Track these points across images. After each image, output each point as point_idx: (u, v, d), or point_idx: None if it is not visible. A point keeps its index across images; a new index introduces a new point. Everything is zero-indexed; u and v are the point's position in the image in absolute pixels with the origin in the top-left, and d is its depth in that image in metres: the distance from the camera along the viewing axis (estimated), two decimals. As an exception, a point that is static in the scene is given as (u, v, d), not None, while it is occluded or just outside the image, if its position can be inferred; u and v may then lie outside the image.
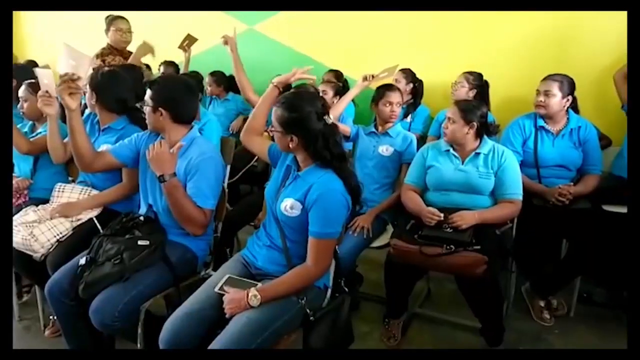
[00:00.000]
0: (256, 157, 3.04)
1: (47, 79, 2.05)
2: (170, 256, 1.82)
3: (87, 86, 2.15)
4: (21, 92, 2.37)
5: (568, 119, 2.49)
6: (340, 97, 3.45)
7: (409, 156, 2.39)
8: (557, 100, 2.41)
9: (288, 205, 1.61)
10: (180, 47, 4.01)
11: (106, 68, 2.37)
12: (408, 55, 3.93)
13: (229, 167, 2.73)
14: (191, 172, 1.83)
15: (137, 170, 2.01)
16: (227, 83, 4.14)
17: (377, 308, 2.45)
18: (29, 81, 2.39)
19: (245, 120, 4.08)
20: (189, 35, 4.00)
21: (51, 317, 2.27)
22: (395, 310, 2.28)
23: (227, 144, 2.79)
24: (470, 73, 3.10)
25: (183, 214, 1.80)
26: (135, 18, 5.15)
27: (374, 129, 2.55)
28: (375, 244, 2.32)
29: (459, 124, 2.12)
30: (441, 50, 3.78)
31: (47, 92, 2.00)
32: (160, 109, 1.83)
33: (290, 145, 1.61)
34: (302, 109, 1.59)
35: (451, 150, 2.19)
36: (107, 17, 3.55)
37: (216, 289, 1.59)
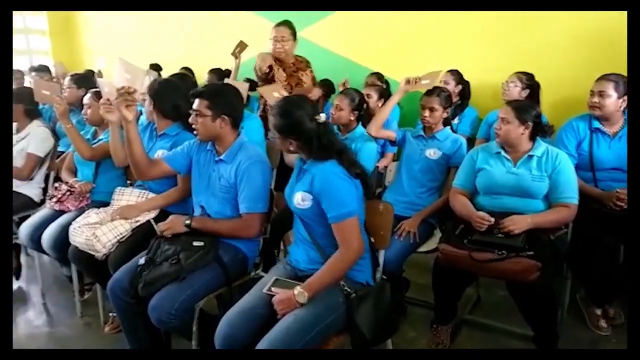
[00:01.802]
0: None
1: (108, 87, 2.17)
2: (222, 257, 1.89)
3: (146, 94, 2.27)
4: (86, 99, 2.52)
5: (625, 120, 2.39)
6: (385, 99, 3.47)
7: (458, 159, 2.35)
8: (612, 100, 2.31)
9: (299, 198, 1.68)
10: (233, 53, 4.13)
11: (163, 77, 2.47)
12: (453, 55, 3.88)
13: (275, 170, 2.81)
14: (240, 176, 1.89)
15: (189, 175, 2.09)
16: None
17: (425, 313, 2.43)
18: (94, 89, 2.54)
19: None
20: (241, 42, 4.12)
21: (111, 314, 2.39)
22: (443, 316, 2.25)
23: (274, 148, 2.86)
24: (523, 73, 3.03)
25: (226, 234, 1.93)
26: (184, 26, 5.39)
27: (421, 132, 2.52)
28: (423, 248, 2.31)
29: (514, 124, 2.07)
30: (488, 51, 3.71)
31: (108, 99, 2.12)
32: (223, 116, 1.89)
33: (291, 148, 1.71)
34: (293, 114, 1.67)
35: (502, 152, 2.14)
36: None
37: (264, 290, 1.65)
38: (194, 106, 1.91)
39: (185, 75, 3.14)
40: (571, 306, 2.46)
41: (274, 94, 2.68)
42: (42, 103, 3.05)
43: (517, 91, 2.99)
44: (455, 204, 2.15)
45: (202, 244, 1.87)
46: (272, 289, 1.62)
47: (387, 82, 3.87)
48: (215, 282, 1.86)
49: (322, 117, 1.68)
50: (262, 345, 1.47)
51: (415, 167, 2.46)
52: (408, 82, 2.51)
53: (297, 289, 1.56)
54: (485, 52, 3.73)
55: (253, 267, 2.07)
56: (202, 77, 4.67)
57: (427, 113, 2.44)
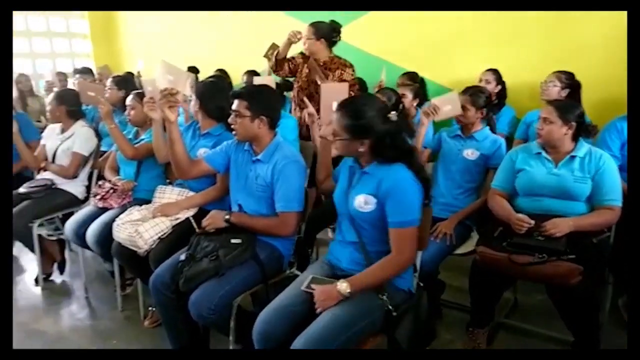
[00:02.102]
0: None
1: (151, 86, 2.24)
2: (259, 254, 1.92)
3: (192, 95, 2.34)
4: (129, 100, 2.60)
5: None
6: (420, 99, 3.44)
7: (497, 160, 2.31)
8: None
9: (362, 202, 1.65)
10: (265, 55, 4.18)
11: (210, 79, 2.53)
12: (489, 54, 3.82)
13: (308, 170, 2.83)
14: (276, 176, 1.92)
15: (228, 174, 2.14)
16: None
17: (460, 316, 2.40)
18: (136, 91, 2.62)
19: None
20: (273, 44, 4.16)
21: (150, 308, 2.46)
22: (480, 319, 2.21)
23: (307, 148, 2.88)
24: (562, 72, 2.95)
25: (262, 231, 1.96)
26: (219, 28, 5.49)
27: (459, 132, 2.49)
28: (459, 250, 2.28)
29: (557, 124, 2.02)
30: (524, 50, 3.65)
31: (151, 98, 2.19)
32: (261, 117, 1.92)
33: (361, 149, 1.65)
34: (366, 114, 1.62)
35: (543, 153, 2.09)
36: None
37: (302, 288, 1.66)
38: (233, 107, 1.95)
39: (222, 77, 3.20)
40: (612, 312, 2.38)
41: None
42: (87, 104, 3.17)
43: (556, 91, 2.92)
44: (494, 206, 2.12)
45: (239, 241, 1.91)
46: (311, 285, 1.63)
47: (422, 80, 3.83)
48: (252, 279, 1.90)
49: (394, 115, 1.65)
50: (298, 342, 1.49)
51: (453, 167, 2.43)
52: (427, 114, 2.45)
53: (341, 281, 1.56)
54: (522, 51, 3.66)
55: (288, 266, 2.09)
56: (236, 79, 4.74)
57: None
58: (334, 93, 2.29)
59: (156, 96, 2.14)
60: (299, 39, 3.07)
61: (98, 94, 2.59)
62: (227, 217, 1.97)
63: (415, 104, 3.34)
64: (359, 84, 4.05)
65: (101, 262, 2.86)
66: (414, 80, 3.76)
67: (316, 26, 3.19)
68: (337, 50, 4.73)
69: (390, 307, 1.58)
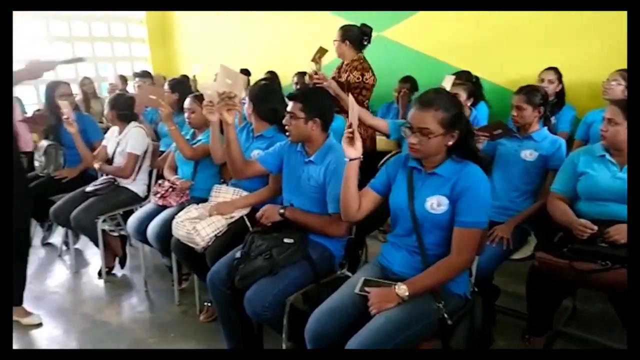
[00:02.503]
0: (387, 156, 3.03)
1: (210, 90, 2.32)
2: (311, 254, 1.95)
3: (247, 98, 2.40)
4: (187, 103, 2.70)
5: None
6: (475, 98, 3.36)
7: (557, 162, 2.23)
8: None
9: (434, 203, 1.62)
10: (313, 59, 4.21)
11: (262, 81, 2.59)
12: (546, 53, 3.68)
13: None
14: (329, 177, 1.94)
15: (280, 175, 2.18)
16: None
17: (515, 323, 2.33)
18: (194, 94, 2.72)
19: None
20: (320, 47, 4.19)
21: (206, 303, 2.55)
22: (537, 327, 2.13)
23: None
24: (626, 70, 2.80)
25: (315, 228, 1.98)
26: (269, 29, 5.58)
27: (515, 133, 2.42)
28: (516, 255, 2.21)
29: (623, 125, 1.91)
30: (583, 48, 3.50)
31: (210, 102, 2.26)
32: (315, 119, 1.95)
33: (450, 143, 1.61)
34: (458, 104, 1.62)
35: (607, 155, 1.99)
36: None
37: (356, 291, 1.66)
38: (288, 108, 1.98)
39: (273, 80, 3.26)
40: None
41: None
42: (148, 106, 3.31)
43: (620, 89, 2.77)
44: (555, 210, 2.03)
45: (292, 241, 1.94)
46: (365, 288, 1.63)
47: (477, 79, 3.73)
48: (304, 278, 1.92)
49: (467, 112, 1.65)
50: (352, 344, 1.49)
51: (510, 169, 2.36)
52: None
53: (399, 284, 1.56)
54: (581, 48, 3.51)
55: (339, 266, 2.10)
56: (286, 80, 4.81)
57: (514, 112, 2.36)
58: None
59: (214, 100, 2.21)
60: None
61: (158, 97, 2.70)
62: (281, 210, 2.02)
63: (469, 103, 3.26)
64: (409, 81, 4.00)
65: (159, 257, 2.99)
66: (468, 80, 3.66)
67: (344, 29, 3.26)
68: (387, 50, 4.72)
69: (445, 315, 1.56)
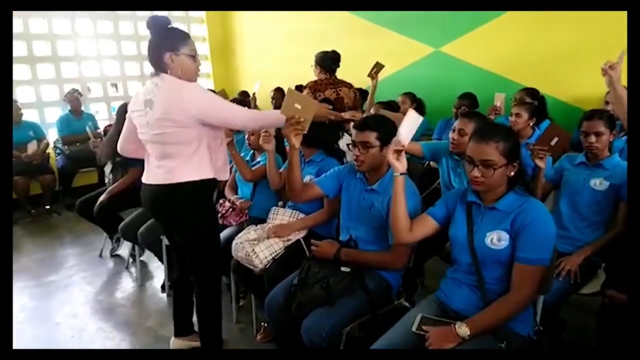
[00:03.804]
0: (437, 181, 2.99)
1: None
2: (368, 284, 1.94)
3: None
4: None
5: None
6: (537, 118, 3.22)
7: None
8: None
9: (495, 238, 1.58)
10: (369, 74, 4.21)
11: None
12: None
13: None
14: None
15: (337, 199, 2.19)
16: (417, 104, 4.21)
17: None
18: None
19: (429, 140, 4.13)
20: (377, 62, 4.19)
21: (263, 323, 2.60)
22: (608, 365, 2.01)
23: (415, 169, 2.85)
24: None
25: (374, 266, 1.98)
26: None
27: (584, 159, 2.29)
28: (585, 290, 2.09)
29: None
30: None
31: (266, 131, 2.33)
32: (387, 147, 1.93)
33: (512, 174, 1.59)
34: (515, 134, 1.63)
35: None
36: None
37: (414, 329, 1.62)
38: (359, 138, 1.96)
39: (327, 100, 3.30)
40: None
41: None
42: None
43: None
44: None
45: (349, 269, 1.94)
46: (423, 327, 1.60)
47: (542, 98, 3.58)
48: (361, 309, 1.91)
49: None
50: None
51: (578, 198, 2.24)
52: (541, 158, 2.24)
53: (459, 324, 1.52)
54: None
55: (396, 296, 2.08)
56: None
57: (592, 139, 2.20)
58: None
59: (270, 129, 2.28)
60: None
61: None
62: (337, 254, 1.99)
63: (531, 123, 3.13)
64: (470, 100, 3.91)
65: (218, 274, 3.08)
66: (534, 97, 3.52)
67: (316, 55, 3.74)
68: (446, 65, 4.65)
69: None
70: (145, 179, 2.11)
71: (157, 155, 2.03)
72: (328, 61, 3.69)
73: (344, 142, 2.65)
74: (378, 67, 4.27)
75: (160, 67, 1.94)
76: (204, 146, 2.01)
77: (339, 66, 3.75)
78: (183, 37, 1.96)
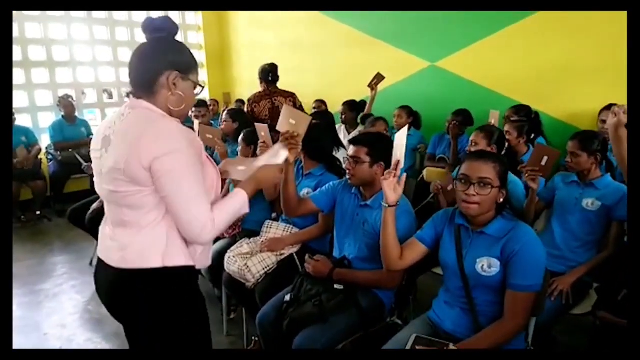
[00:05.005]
0: (432, 195, 3.00)
1: (264, 131, 2.38)
2: (361, 302, 1.92)
3: None
4: (241, 139, 2.78)
5: None
6: (528, 135, 3.24)
7: (621, 212, 2.10)
8: None
9: (485, 265, 1.58)
10: (369, 85, 4.24)
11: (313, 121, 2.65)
12: (608, 84, 3.51)
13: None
14: None
15: (332, 214, 2.19)
16: (414, 118, 4.23)
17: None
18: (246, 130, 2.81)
19: (424, 155, 4.14)
20: (378, 73, 4.22)
21: (254, 337, 2.57)
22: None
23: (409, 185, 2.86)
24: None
25: (368, 285, 1.96)
26: (320, 57, 5.67)
27: (576, 178, 2.31)
28: (577, 310, 2.09)
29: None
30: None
31: (264, 142, 2.32)
32: (380, 163, 1.95)
33: (501, 200, 1.59)
34: (505, 162, 1.63)
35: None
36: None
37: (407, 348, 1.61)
38: (351, 152, 1.98)
39: (326, 112, 3.32)
40: None
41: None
42: (206, 145, 3.44)
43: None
44: None
45: (342, 287, 1.93)
46: (416, 347, 1.59)
47: (536, 114, 3.61)
48: (354, 327, 1.90)
49: None
50: None
51: (570, 218, 2.24)
52: (533, 179, 2.28)
53: (451, 346, 1.51)
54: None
55: (389, 313, 2.07)
56: (334, 108, 4.85)
57: (568, 158, 2.26)
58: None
59: (268, 140, 2.26)
60: None
61: (215, 136, 2.81)
62: (330, 273, 1.97)
63: (521, 141, 3.13)
64: (463, 114, 3.92)
65: (209, 285, 3.05)
66: (528, 115, 3.53)
67: (259, 69, 4.01)
68: (441, 80, 4.68)
69: None
70: (99, 251, 1.46)
71: (112, 219, 1.41)
72: (264, 73, 3.93)
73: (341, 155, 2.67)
74: (379, 78, 4.30)
75: (148, 88, 1.34)
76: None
77: (277, 77, 3.98)
78: (194, 60, 1.41)
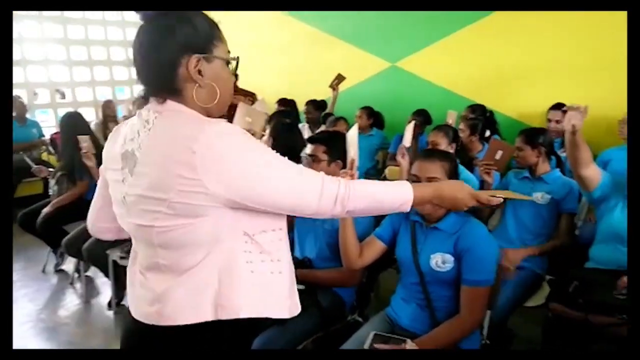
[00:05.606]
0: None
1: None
2: (321, 301, 1.92)
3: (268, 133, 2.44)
4: None
5: None
6: (481, 134, 3.33)
7: (569, 205, 2.20)
8: None
9: (439, 261, 1.60)
10: (330, 85, 4.25)
11: (287, 120, 2.63)
12: (561, 85, 3.65)
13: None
14: None
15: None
16: (375, 119, 4.26)
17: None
18: None
19: (385, 155, 4.18)
20: (339, 74, 4.23)
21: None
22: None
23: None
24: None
25: (327, 285, 1.95)
26: (283, 57, 5.65)
27: (527, 174, 2.39)
28: (530, 303, 2.17)
29: None
30: (606, 81, 3.44)
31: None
32: (338, 161, 1.95)
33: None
34: (454, 158, 1.69)
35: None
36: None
37: (366, 347, 1.61)
38: (309, 151, 1.98)
39: (291, 112, 3.30)
40: None
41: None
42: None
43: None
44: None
45: (302, 287, 1.91)
46: (375, 345, 1.60)
47: (491, 113, 3.70)
48: (314, 326, 1.89)
49: None
50: None
51: (522, 211, 2.33)
52: (487, 173, 2.43)
53: (410, 343, 1.52)
54: (598, 84, 3.47)
55: (349, 311, 2.07)
56: (300, 108, 4.84)
57: (516, 153, 2.36)
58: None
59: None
60: None
61: (255, 122, 2.78)
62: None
63: (475, 139, 3.23)
64: (422, 114, 3.99)
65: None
66: (482, 114, 3.64)
67: None
68: (401, 80, 4.74)
69: None
70: (129, 301, 1.13)
71: (142, 261, 1.09)
72: None
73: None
74: (339, 78, 4.33)
75: (167, 89, 1.00)
76: (228, 252, 1.01)
77: (237, 76, 3.94)
78: (212, 27, 1.05)
